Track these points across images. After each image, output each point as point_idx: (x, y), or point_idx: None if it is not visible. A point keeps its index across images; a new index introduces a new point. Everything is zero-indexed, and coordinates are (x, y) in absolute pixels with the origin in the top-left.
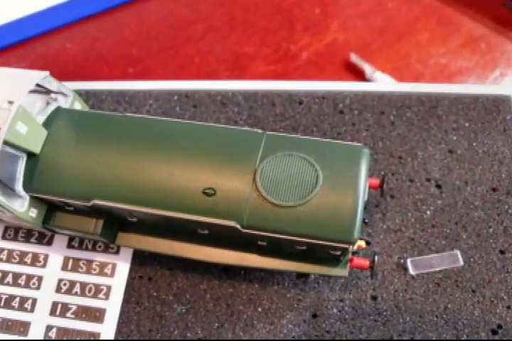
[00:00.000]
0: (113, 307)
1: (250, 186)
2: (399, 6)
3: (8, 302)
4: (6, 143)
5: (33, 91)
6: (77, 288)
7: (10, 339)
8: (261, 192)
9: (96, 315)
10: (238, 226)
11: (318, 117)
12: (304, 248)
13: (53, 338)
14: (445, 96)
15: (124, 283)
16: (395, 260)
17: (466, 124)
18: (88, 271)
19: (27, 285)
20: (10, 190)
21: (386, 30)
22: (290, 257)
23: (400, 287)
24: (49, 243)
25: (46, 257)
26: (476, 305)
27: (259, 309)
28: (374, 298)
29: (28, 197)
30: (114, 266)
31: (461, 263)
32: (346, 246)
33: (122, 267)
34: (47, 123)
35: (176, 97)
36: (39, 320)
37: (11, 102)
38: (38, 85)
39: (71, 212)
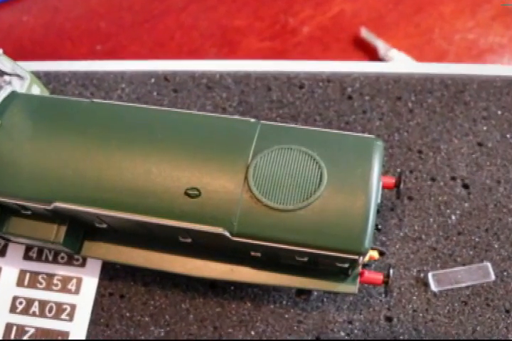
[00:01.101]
0: (78, 330)
1: (241, 186)
2: None
3: None
4: None
5: None
6: (35, 308)
7: None
8: (254, 193)
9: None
10: (227, 234)
11: (322, 104)
12: (305, 259)
13: None
14: (473, 79)
15: (91, 302)
16: (414, 274)
17: (499, 112)
18: (48, 287)
19: None
20: None
21: (403, 0)
22: (289, 270)
23: (420, 306)
24: (2, 254)
25: None
26: (511, 328)
27: (252, 332)
28: (389, 319)
29: None
30: (79, 281)
31: (493, 277)
32: (356, 257)
33: (89, 282)
34: None
35: (152, 80)
36: None
37: None
38: None
39: (28, 216)
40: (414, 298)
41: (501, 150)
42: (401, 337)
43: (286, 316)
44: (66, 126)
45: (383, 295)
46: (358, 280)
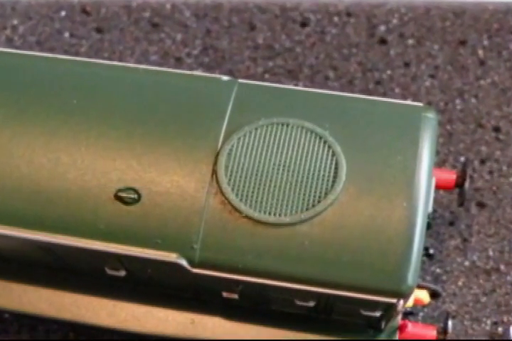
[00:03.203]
0: None
1: (207, 185)
2: None
3: None
4: None
5: None
6: None
7: None
8: (227, 197)
9: None
10: (184, 263)
11: (338, 51)
12: (310, 305)
13: None
14: None
15: None
16: (488, 328)
17: None
18: None
19: None
20: None
21: None
22: (284, 322)
23: None
24: None
25: None
26: None
27: None
28: None
29: None
30: None
31: None
32: (393, 300)
33: None
34: None
35: (63, 13)
36: None
37: None
38: None
39: None
40: None
41: None
42: None
43: None
44: None
45: None
46: (397, 337)
